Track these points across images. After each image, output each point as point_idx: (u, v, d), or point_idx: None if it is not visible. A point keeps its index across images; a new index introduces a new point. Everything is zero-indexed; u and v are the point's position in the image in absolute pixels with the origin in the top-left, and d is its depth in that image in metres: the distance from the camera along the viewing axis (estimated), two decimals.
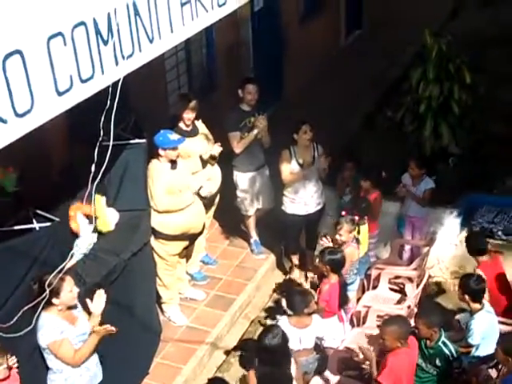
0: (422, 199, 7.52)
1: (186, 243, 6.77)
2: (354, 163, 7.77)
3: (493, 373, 5.58)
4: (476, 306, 5.93)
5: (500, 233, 7.66)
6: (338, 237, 6.60)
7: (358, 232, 6.86)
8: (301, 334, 5.90)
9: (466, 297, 5.95)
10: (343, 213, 6.80)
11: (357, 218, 6.73)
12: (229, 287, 7.55)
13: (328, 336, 6.18)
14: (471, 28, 10.55)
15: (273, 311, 7.37)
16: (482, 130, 8.84)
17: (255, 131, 7.37)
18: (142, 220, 6.27)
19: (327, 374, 6.04)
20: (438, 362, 5.67)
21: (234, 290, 7.51)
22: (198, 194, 6.80)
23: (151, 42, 4.34)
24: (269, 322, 7.11)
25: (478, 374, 5.32)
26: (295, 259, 7.78)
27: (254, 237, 8.05)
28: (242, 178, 7.65)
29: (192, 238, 6.84)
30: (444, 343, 5.64)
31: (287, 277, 7.87)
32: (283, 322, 5.90)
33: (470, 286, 5.92)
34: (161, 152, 6.45)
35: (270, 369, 5.14)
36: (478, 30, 10.80)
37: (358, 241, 6.79)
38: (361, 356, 5.65)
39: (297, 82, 10.32)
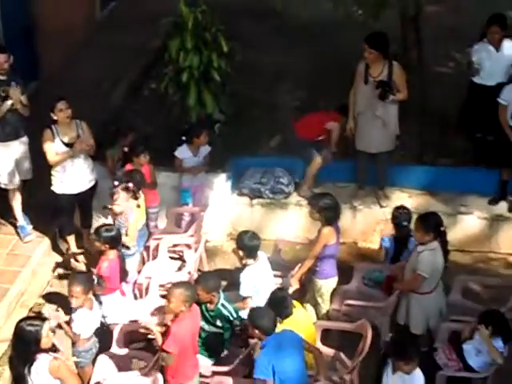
0: (207, 164, 7.75)
1: None
2: (122, 136, 7.73)
3: None
4: (249, 261, 6.19)
5: (268, 192, 8.05)
6: (116, 208, 6.54)
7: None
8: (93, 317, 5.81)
9: (241, 252, 6.19)
10: (116, 183, 6.73)
11: (131, 184, 6.70)
12: (2, 277, 7.21)
13: (111, 312, 6.14)
14: None
15: (51, 297, 7.17)
16: (244, 96, 9.18)
17: (9, 102, 7.11)
18: None
19: (114, 349, 6.01)
20: (219, 322, 5.89)
21: (8, 279, 7.19)
22: None
23: None
24: (47, 307, 6.92)
25: None
26: (71, 240, 7.59)
27: (20, 221, 7.73)
28: None
29: None
30: (223, 305, 5.86)
31: (64, 259, 7.65)
32: (80, 312, 5.72)
33: (244, 242, 6.18)
34: None
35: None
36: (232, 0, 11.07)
37: (139, 207, 6.78)
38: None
39: (55, 56, 9.93)
